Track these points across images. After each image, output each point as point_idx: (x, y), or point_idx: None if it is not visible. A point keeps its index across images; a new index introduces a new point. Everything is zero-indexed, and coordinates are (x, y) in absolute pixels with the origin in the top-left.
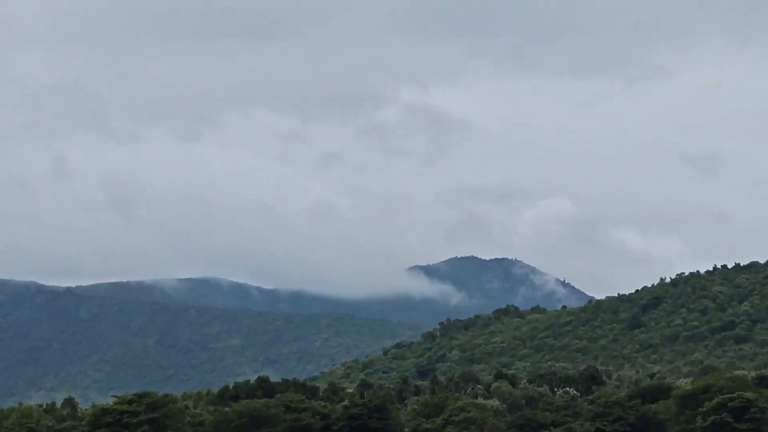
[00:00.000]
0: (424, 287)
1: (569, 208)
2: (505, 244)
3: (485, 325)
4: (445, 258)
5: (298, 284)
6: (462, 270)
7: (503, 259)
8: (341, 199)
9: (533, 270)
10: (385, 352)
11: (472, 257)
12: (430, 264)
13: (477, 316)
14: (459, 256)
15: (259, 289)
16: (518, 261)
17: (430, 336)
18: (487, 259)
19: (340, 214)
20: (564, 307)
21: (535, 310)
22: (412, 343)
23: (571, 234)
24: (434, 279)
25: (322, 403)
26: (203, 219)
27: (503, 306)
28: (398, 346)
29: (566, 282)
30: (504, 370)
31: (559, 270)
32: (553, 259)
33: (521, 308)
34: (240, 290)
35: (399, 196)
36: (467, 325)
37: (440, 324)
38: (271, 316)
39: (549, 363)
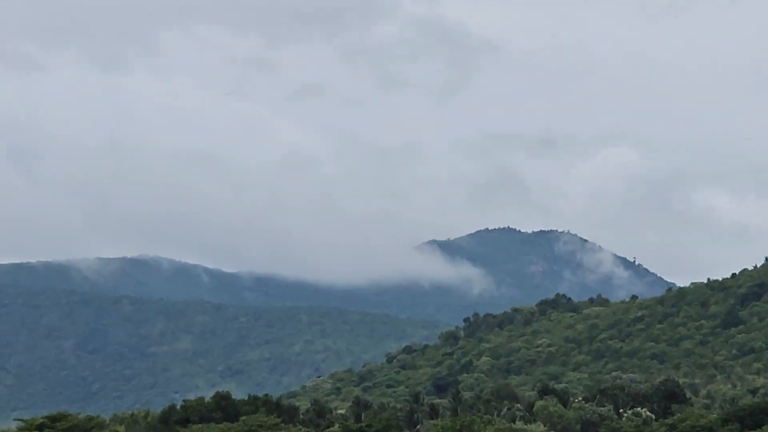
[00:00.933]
0: (440, 271)
1: (636, 161)
2: (548, 211)
3: (526, 322)
4: (468, 231)
5: (269, 267)
6: (491, 247)
7: (546, 231)
8: (323, 148)
9: (587, 246)
10: (390, 360)
11: (505, 229)
12: (449, 239)
13: (515, 310)
14: (486, 228)
15: (214, 273)
16: (566, 234)
17: (450, 337)
18: (525, 231)
19: (321, 170)
20: (634, 297)
21: (595, 301)
22: (425, 346)
23: (639, 197)
24: (454, 259)
25: (304, 429)
26: (132, 176)
27: (548, 295)
28: (407, 350)
29: (635, 262)
30: (552, 384)
31: (622, 246)
32: (615, 232)
33: (574, 298)
34: (189, 274)
35: (403, 146)
36: (501, 321)
37: (465, 321)
38: (232, 310)
39: (613, 374)
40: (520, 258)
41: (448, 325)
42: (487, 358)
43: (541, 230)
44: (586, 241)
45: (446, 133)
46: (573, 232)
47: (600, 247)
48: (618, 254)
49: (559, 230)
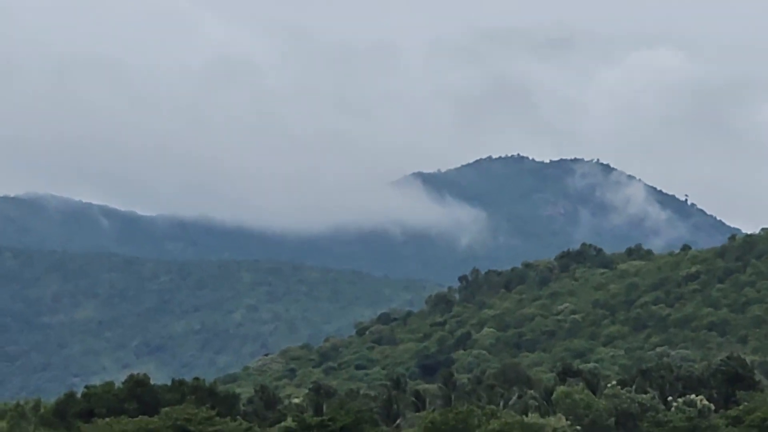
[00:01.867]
0: (425, 214)
1: (679, 67)
2: (564, 134)
3: (542, 282)
4: (460, 161)
5: (196, 208)
6: (490, 181)
7: (562, 160)
8: (262, 50)
9: (613, 178)
10: (360, 332)
11: (507, 158)
12: (437, 171)
13: (527, 265)
14: (485, 157)
15: (123, 216)
16: (589, 162)
17: (441, 301)
18: (535, 160)
19: (261, 80)
20: (686, 248)
21: (634, 253)
22: (408, 314)
23: (683, 114)
24: (443, 198)
25: (246, 424)
26: (8, 90)
27: (567, 245)
28: (383, 319)
29: (687, 201)
30: (577, 364)
31: (663, 178)
32: (651, 160)
33: (605, 249)
34: (88, 218)
35: (369, 47)
36: (509, 281)
37: (460, 280)
38: (149, 265)
39: (658, 350)
40: (530, 196)
41: (437, 286)
42: (491, 330)
43: (553, 159)
44: (612, 170)
45: (425, 30)
46: (598, 158)
47: (632, 179)
48: (659, 189)
49: (579, 158)
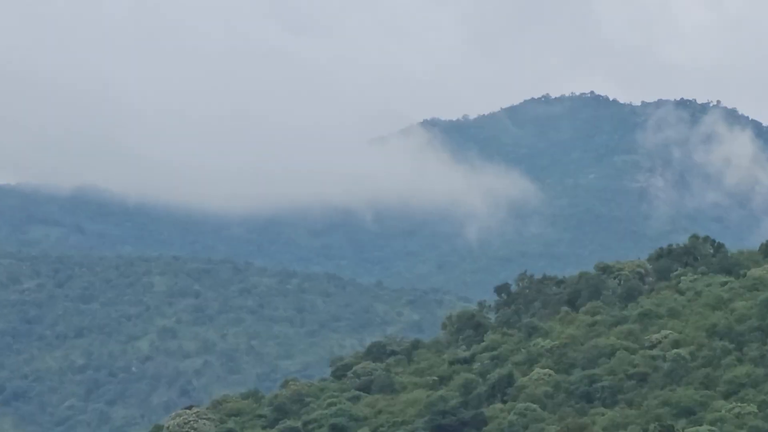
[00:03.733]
0: (438, 182)
1: None
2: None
3: (627, 296)
4: (488, 106)
5: (80, 177)
6: (539, 135)
7: (656, 102)
8: None
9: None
10: (339, 372)
11: (568, 98)
12: (456, 119)
13: (603, 269)
14: (530, 98)
15: None
16: (710, 106)
17: (467, 324)
18: (614, 100)
19: None
20: None
21: None
22: (415, 343)
23: None
24: (465, 157)
25: None
26: None
27: (670, 236)
28: (375, 352)
29: None
30: (682, 426)
31: None
32: None
33: (728, 244)
34: None
35: None
36: (574, 293)
37: (497, 291)
38: (5, 264)
39: None
40: (607, 158)
41: (460, 300)
42: (546, 371)
43: (652, 99)
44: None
45: None
46: (717, 101)
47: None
48: None
49: (681, 100)
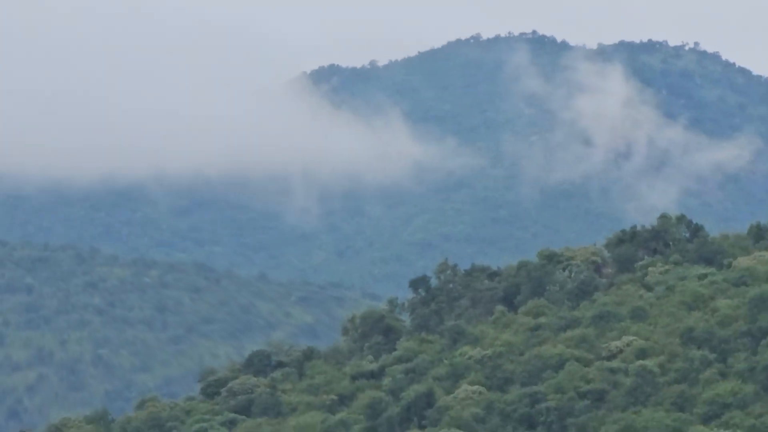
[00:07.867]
0: (347, 141)
1: None
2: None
3: (580, 293)
4: (418, 44)
5: None
6: (465, 80)
7: (630, 43)
8: None
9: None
10: (210, 389)
11: (519, 37)
12: (368, 64)
13: (547, 257)
14: (464, 39)
15: None
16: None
17: (375, 327)
18: (566, 43)
19: None
20: None
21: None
22: (308, 352)
23: None
24: (374, 110)
25: None
26: None
27: (634, 217)
28: (257, 363)
29: None
30: None
31: None
32: None
33: (707, 226)
34: None
35: None
36: (511, 287)
37: (412, 285)
38: None
39: None
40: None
41: (365, 297)
42: (475, 388)
43: (622, 40)
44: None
45: None
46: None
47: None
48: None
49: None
